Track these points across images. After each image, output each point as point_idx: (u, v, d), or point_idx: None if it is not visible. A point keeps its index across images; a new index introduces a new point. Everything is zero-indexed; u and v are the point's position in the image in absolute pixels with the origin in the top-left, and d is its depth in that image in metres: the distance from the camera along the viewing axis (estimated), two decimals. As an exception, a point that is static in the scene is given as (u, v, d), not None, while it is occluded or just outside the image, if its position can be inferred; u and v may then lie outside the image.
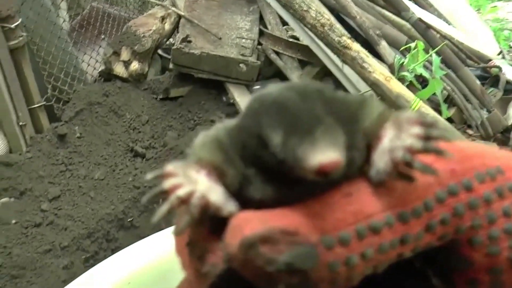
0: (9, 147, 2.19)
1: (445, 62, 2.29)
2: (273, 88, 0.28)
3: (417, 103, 1.90)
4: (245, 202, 0.27)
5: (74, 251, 1.69)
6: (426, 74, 2.08)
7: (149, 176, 0.28)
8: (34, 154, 2.14)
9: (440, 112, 2.03)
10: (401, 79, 2.08)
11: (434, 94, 2.07)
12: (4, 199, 1.94)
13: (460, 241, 0.28)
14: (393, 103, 1.95)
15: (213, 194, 0.26)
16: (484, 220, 0.28)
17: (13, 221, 1.84)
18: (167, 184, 0.27)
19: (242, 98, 2.29)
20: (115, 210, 1.81)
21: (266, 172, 0.27)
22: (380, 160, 0.26)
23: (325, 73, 2.40)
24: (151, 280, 0.65)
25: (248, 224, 0.25)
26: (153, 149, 2.14)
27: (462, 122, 2.25)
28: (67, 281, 0.64)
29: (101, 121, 2.28)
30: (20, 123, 2.18)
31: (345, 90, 2.28)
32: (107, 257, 0.68)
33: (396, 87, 1.99)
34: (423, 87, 2.10)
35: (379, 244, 0.25)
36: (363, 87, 2.19)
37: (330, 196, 0.26)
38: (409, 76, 2.10)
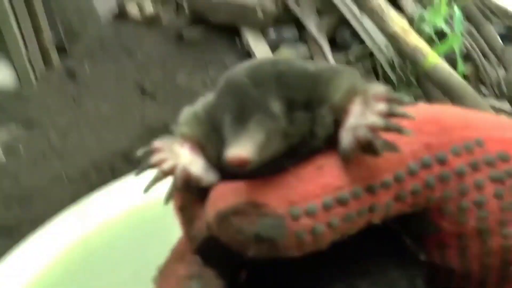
0: (19, 80, 2.19)
1: (467, 17, 2.23)
2: (240, 67, 0.30)
3: (433, 58, 1.86)
4: (226, 173, 0.29)
5: (79, 182, 1.73)
6: (446, 28, 2.03)
7: (139, 152, 0.31)
8: (43, 88, 2.14)
9: (456, 68, 1.99)
10: (420, 33, 2.02)
11: (452, 49, 2.03)
12: (13, 129, 1.97)
13: (431, 209, 0.30)
14: (409, 57, 1.91)
15: (194, 166, 0.29)
16: (455, 192, 0.29)
17: (22, 150, 1.87)
18: (153, 159, 0.30)
19: (256, 44, 2.26)
20: (121, 145, 1.83)
21: None
22: (345, 138, 0.27)
23: (342, 23, 2.34)
24: (155, 211, 0.66)
25: (222, 197, 0.27)
26: (163, 88, 2.13)
27: (477, 80, 2.21)
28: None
29: (112, 59, 2.27)
30: (30, 57, 2.18)
31: (362, 41, 2.23)
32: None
33: (414, 40, 1.95)
34: (442, 42, 2.05)
35: (346, 214, 0.27)
36: (381, 39, 2.14)
37: (303, 168, 0.28)
38: (428, 30, 2.04)
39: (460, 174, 0.29)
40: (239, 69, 0.29)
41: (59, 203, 1.65)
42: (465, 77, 2.09)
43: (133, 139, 1.84)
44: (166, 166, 0.29)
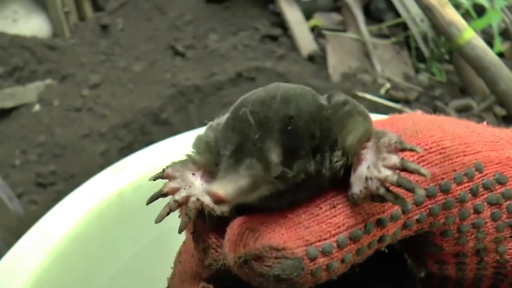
0: (53, 32, 2.23)
1: (509, -8, 2.14)
2: (253, 97, 0.29)
3: (469, 33, 1.81)
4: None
5: (110, 139, 1.77)
6: (485, 3, 1.96)
7: (150, 178, 0.32)
8: (77, 41, 2.17)
9: (492, 45, 1.93)
10: (457, 6, 1.96)
11: (490, 25, 1.96)
12: (48, 81, 2.01)
13: (433, 233, 0.32)
14: (443, 31, 1.86)
15: (206, 197, 0.30)
16: (456, 217, 0.31)
17: (56, 103, 1.92)
18: (166, 188, 0.31)
19: (289, 9, 2.23)
20: (151, 104, 1.85)
21: None
22: (356, 186, 0.28)
23: (377, -9, 2.29)
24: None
25: (241, 240, 0.28)
26: (194, 49, 2.13)
27: (514, 59, 2.15)
28: (103, 166, 0.68)
29: (144, 16, 2.27)
30: (65, 9, 2.20)
31: (396, 12, 2.19)
32: (141, 149, 0.71)
33: (450, 13, 1.89)
34: (479, 17, 1.98)
35: (358, 249, 0.29)
36: (415, 9, 2.09)
37: (317, 206, 0.29)
38: (466, 3, 1.98)
39: (461, 201, 0.31)
40: (253, 99, 0.29)
41: (90, 159, 1.71)
42: (501, 55, 2.03)
43: (163, 99, 1.87)
44: (179, 197, 0.30)
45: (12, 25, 2.18)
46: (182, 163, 0.32)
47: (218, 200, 0.26)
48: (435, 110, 0.43)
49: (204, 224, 0.31)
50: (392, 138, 0.28)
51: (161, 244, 0.66)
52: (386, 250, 0.31)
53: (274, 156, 0.27)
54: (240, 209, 0.30)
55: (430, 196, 0.30)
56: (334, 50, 2.12)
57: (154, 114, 1.83)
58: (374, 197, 0.28)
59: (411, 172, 0.28)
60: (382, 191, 0.27)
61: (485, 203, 0.31)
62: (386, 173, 0.27)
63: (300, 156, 0.28)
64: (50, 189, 1.63)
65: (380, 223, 0.29)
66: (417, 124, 0.33)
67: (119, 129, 1.79)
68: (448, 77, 2.08)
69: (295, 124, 0.28)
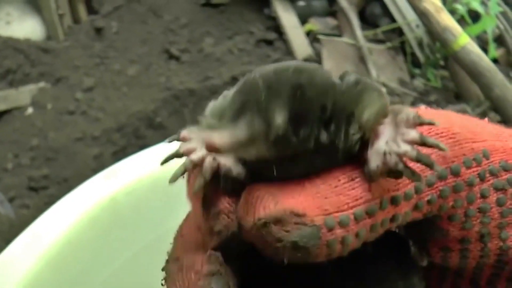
0: (47, 34, 2.22)
1: (504, -2, 2.16)
2: (267, 68, 0.29)
3: (464, 39, 1.82)
4: (251, 168, 0.29)
5: (104, 143, 1.76)
6: (480, 9, 1.97)
7: (168, 140, 0.31)
8: (71, 44, 2.16)
9: (487, 51, 1.94)
10: (452, 12, 1.98)
11: (485, 31, 1.98)
12: (41, 84, 2.00)
13: (441, 217, 0.32)
14: (439, 36, 1.87)
15: (223, 157, 0.29)
16: (464, 200, 0.31)
17: (49, 106, 1.91)
18: (182, 148, 0.30)
19: (284, 13, 2.23)
20: (146, 108, 1.85)
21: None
22: (374, 161, 0.28)
23: (373, -4, 2.30)
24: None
25: (261, 203, 0.27)
26: (189, 53, 2.13)
27: (508, 65, 2.16)
28: (96, 170, 0.67)
29: (139, 19, 2.27)
30: (59, 12, 2.19)
31: (392, 18, 2.19)
32: (135, 153, 0.70)
33: (446, 19, 1.90)
34: (474, 23, 1.99)
35: (372, 225, 0.29)
36: (411, 15, 2.10)
37: (335, 178, 0.29)
38: (461, 9, 1.99)
39: (470, 184, 0.31)
40: (265, 69, 0.29)
41: (83, 162, 1.69)
42: (495, 61, 2.04)
43: (158, 102, 1.86)
44: (195, 156, 0.29)
45: (5, 28, 2.17)
46: (198, 127, 0.31)
47: (212, 149, 0.26)
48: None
49: (215, 189, 0.30)
50: (410, 113, 0.29)
51: (154, 249, 0.65)
52: (395, 231, 0.31)
53: (278, 117, 0.27)
54: (255, 179, 0.30)
55: (441, 178, 0.30)
56: (329, 54, 2.12)
57: (148, 118, 1.82)
58: (390, 173, 0.28)
59: (430, 146, 0.28)
60: (400, 166, 0.27)
61: (491, 189, 0.32)
62: (406, 148, 0.27)
63: (307, 125, 0.27)
64: (42, 193, 1.61)
65: (394, 201, 0.29)
66: (424, 114, 0.33)
67: (113, 132, 1.78)
68: (443, 83, 2.08)
69: (305, 93, 0.27)
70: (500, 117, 1.82)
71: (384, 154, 0.27)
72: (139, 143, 1.74)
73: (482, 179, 0.31)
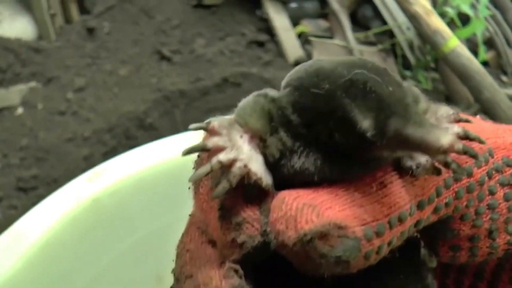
0: (38, 34, 2.21)
1: (494, 1, 2.17)
2: (332, 64, 0.28)
3: (453, 42, 1.83)
4: (277, 173, 0.28)
5: (94, 143, 1.75)
6: (470, 12, 1.98)
7: (192, 126, 0.28)
8: (62, 44, 2.16)
9: (476, 54, 1.96)
10: (443, 15, 1.99)
11: (475, 34, 1.99)
12: (32, 84, 1.99)
13: (453, 217, 0.32)
14: (429, 39, 1.88)
15: (254, 164, 0.27)
16: (475, 199, 0.32)
17: (40, 106, 1.90)
18: (211, 143, 0.27)
19: (276, 15, 2.23)
20: (136, 109, 1.84)
21: (311, 147, 0.28)
22: (421, 157, 0.28)
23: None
24: (161, 177, 0.68)
25: (302, 216, 0.25)
26: (180, 54, 2.12)
27: (498, 68, 2.17)
28: (86, 171, 0.67)
29: (131, 20, 2.26)
30: (51, 12, 2.18)
31: (383, 20, 2.20)
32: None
33: (436, 22, 1.91)
34: (464, 26, 2.00)
35: (402, 232, 0.28)
36: (401, 17, 2.11)
37: (367, 185, 0.28)
38: (451, 12, 2.00)
39: (481, 183, 0.32)
40: (344, 69, 0.28)
41: (73, 163, 1.69)
42: (485, 64, 2.06)
43: (149, 103, 1.86)
44: (225, 157, 0.27)
45: (-4, 27, 2.16)
46: (229, 121, 0.28)
47: (456, 149, 0.25)
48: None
49: (235, 198, 0.28)
50: (449, 110, 0.30)
51: (138, 250, 0.66)
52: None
53: (365, 121, 0.26)
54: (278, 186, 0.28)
55: (457, 179, 0.31)
56: (320, 56, 2.12)
57: (139, 119, 1.81)
58: (435, 169, 0.29)
59: (473, 139, 0.30)
60: (449, 159, 0.28)
61: (498, 185, 0.33)
62: (452, 141, 0.27)
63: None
64: (31, 193, 1.60)
65: (420, 206, 0.29)
66: None
67: (103, 133, 1.77)
68: (433, 85, 2.09)
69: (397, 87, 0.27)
70: (489, 119, 1.83)
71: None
72: (130, 144, 1.74)
73: (490, 176, 0.32)
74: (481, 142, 0.30)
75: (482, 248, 0.33)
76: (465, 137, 0.29)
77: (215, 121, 0.28)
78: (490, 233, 0.33)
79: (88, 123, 1.82)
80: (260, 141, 0.28)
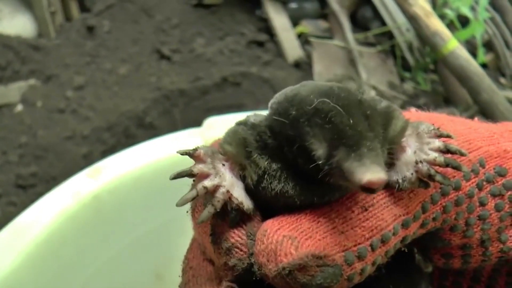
0: (38, 32, 2.21)
1: (493, 4, 2.18)
2: (308, 91, 0.29)
3: (452, 43, 1.83)
4: (257, 195, 0.30)
5: (93, 142, 1.75)
6: (469, 14, 1.99)
7: (179, 152, 0.31)
8: (62, 42, 2.16)
9: (475, 56, 1.96)
10: (442, 17, 1.99)
11: (474, 36, 1.99)
12: (31, 81, 1.99)
13: (443, 229, 0.33)
14: (428, 40, 1.88)
15: (236, 190, 0.30)
16: (465, 211, 0.33)
17: (39, 104, 1.90)
18: (196, 169, 0.30)
19: (276, 15, 2.24)
20: (136, 108, 1.84)
21: (289, 170, 0.30)
22: (407, 171, 0.30)
23: (364, 0, 2.31)
24: (160, 174, 0.68)
25: (281, 249, 0.27)
26: (180, 53, 2.13)
27: (496, 70, 2.18)
28: (85, 169, 0.67)
29: (131, 19, 2.26)
30: (51, 9, 2.18)
31: (382, 21, 2.21)
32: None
33: (435, 24, 1.91)
34: (464, 28, 2.01)
35: (387, 250, 0.30)
36: (401, 19, 2.11)
37: (349, 209, 0.29)
38: (451, 14, 2.00)
39: (470, 196, 0.32)
40: (311, 95, 0.29)
41: (72, 161, 1.69)
42: (484, 66, 2.06)
43: (148, 102, 1.86)
44: (209, 183, 0.29)
45: (-4, 24, 2.16)
46: (212, 150, 0.31)
47: (378, 185, 0.26)
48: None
49: (223, 224, 0.30)
50: (429, 126, 0.31)
51: (137, 247, 0.66)
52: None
53: (372, 134, 0.28)
54: (258, 208, 0.30)
55: (444, 194, 0.32)
56: (320, 57, 2.13)
57: (138, 118, 1.81)
58: (420, 182, 0.30)
59: (453, 152, 0.30)
60: (432, 171, 0.29)
61: (489, 195, 0.33)
62: (434, 155, 0.29)
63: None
64: (30, 191, 1.60)
65: (405, 224, 0.30)
66: (416, 117, 0.35)
67: (103, 131, 1.78)
68: (432, 87, 2.10)
69: (368, 115, 0.29)
70: (488, 121, 1.83)
71: (416, 163, 0.29)
72: (129, 143, 1.74)
73: (480, 188, 0.33)
74: (462, 154, 0.30)
75: (475, 256, 0.34)
76: (446, 150, 0.30)
77: (201, 150, 0.31)
78: (482, 242, 0.34)
79: (88, 121, 1.82)
80: (240, 168, 0.31)
